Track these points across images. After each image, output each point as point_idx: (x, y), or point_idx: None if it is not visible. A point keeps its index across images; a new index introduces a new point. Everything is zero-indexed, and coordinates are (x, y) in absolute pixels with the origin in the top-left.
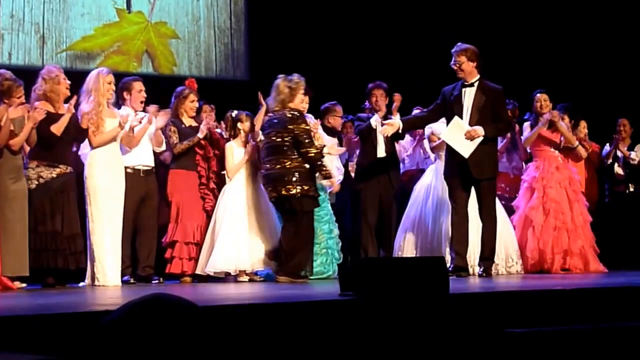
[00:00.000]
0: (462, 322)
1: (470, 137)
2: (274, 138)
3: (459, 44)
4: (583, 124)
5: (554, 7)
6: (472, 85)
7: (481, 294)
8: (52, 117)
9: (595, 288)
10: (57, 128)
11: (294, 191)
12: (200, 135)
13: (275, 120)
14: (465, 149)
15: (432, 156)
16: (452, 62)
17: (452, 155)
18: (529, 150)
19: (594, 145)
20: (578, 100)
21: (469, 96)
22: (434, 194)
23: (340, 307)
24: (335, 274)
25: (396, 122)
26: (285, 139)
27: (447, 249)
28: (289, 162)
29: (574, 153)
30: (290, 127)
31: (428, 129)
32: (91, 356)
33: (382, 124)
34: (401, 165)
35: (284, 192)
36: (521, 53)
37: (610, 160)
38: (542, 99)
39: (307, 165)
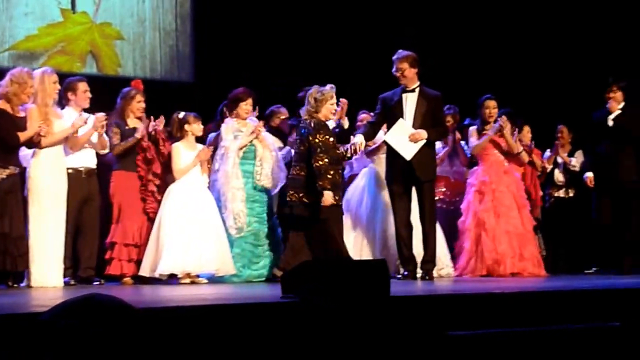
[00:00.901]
0: (403, 325)
1: (415, 139)
2: (299, 146)
3: (399, 51)
4: (527, 129)
5: (496, 12)
6: (413, 91)
7: (422, 296)
8: (12, 119)
9: (536, 291)
10: (24, 137)
11: (307, 199)
12: (137, 135)
13: (301, 129)
14: (408, 151)
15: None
16: (393, 69)
17: (394, 158)
18: (468, 155)
19: (535, 151)
20: (518, 106)
21: (411, 102)
22: (368, 196)
23: (282, 310)
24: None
25: (361, 140)
26: (303, 148)
27: (382, 250)
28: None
29: (517, 158)
30: (309, 137)
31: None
32: (25, 356)
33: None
34: (348, 168)
35: (305, 199)
36: (460, 58)
37: (550, 166)
38: (491, 106)
39: (336, 175)
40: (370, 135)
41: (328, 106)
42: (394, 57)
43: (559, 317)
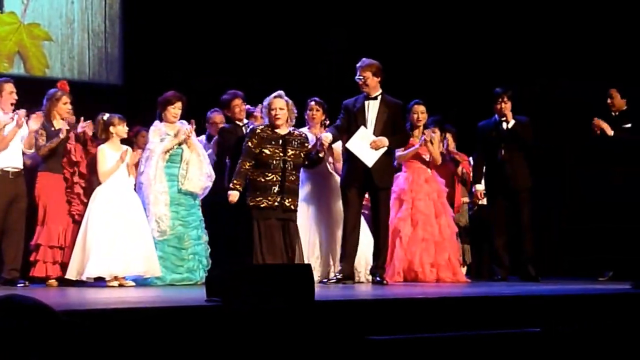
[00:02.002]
0: (326, 329)
1: (376, 147)
2: None
3: (363, 59)
4: (450, 136)
5: (420, 16)
6: (375, 98)
7: (345, 301)
8: None
9: (457, 297)
10: None
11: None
12: (61, 135)
13: None
14: (369, 158)
15: None
16: (356, 77)
17: (353, 164)
18: (395, 163)
19: (464, 157)
20: (443, 111)
21: (372, 109)
22: (302, 202)
23: (206, 314)
24: (203, 280)
25: (329, 135)
26: None
27: (313, 256)
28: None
29: (443, 167)
30: None
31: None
32: None
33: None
34: None
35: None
36: (387, 61)
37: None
38: (420, 111)
39: (258, 178)
40: (337, 138)
41: (271, 112)
42: (358, 65)
43: (480, 322)
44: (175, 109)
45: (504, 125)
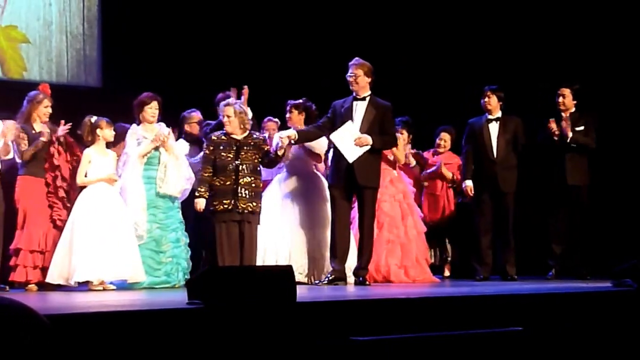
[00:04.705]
0: (309, 330)
1: (359, 143)
2: None
3: (357, 58)
4: (447, 136)
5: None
6: (363, 99)
7: (328, 302)
8: None
9: (439, 297)
10: None
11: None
12: (43, 139)
13: None
14: (352, 154)
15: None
16: (348, 74)
17: (338, 161)
18: None
19: (450, 156)
20: (412, 113)
21: (360, 109)
22: (283, 203)
23: (188, 316)
24: (182, 283)
25: (292, 132)
26: None
27: (293, 257)
28: None
29: (408, 168)
30: None
31: (277, 138)
32: None
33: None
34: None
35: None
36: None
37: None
38: None
39: (215, 183)
40: (309, 136)
41: (225, 119)
42: (350, 63)
43: (463, 322)
44: (152, 109)
45: (496, 123)
